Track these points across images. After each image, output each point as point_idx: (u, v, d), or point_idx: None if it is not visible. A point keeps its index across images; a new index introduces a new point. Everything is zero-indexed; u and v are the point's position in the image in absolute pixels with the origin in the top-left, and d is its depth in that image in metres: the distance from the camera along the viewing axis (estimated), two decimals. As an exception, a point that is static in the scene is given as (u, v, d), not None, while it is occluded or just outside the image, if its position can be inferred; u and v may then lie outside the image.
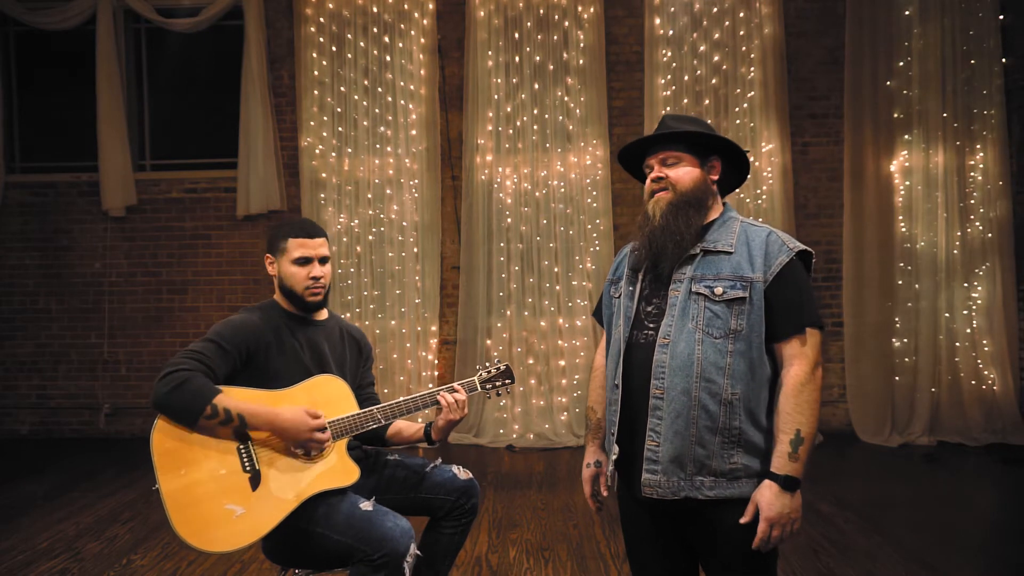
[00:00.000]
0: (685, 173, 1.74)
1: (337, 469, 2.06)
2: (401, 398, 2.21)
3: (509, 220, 5.52)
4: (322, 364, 2.21)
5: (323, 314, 2.32)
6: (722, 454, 1.62)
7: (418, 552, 2.01)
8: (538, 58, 5.50)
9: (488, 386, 2.32)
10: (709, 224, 1.75)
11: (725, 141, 1.77)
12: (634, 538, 1.83)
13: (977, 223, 5.35)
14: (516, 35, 5.51)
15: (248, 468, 1.97)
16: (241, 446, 1.99)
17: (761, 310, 1.63)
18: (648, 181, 1.80)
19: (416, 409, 2.20)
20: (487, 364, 2.36)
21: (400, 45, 5.55)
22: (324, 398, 2.12)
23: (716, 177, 1.79)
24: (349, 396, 2.18)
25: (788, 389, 1.61)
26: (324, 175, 5.59)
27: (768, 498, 1.57)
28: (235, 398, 1.96)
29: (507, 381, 2.33)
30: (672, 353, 1.64)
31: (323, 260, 2.22)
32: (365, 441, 2.32)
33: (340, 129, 5.58)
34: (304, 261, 2.18)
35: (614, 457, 1.74)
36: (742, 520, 1.59)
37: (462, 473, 2.30)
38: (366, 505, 2.01)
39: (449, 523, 2.27)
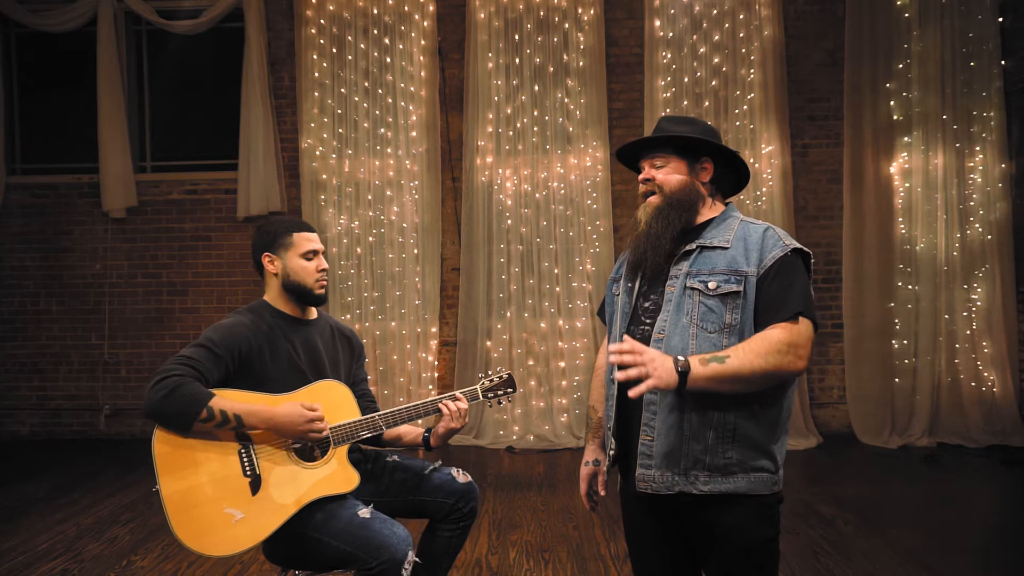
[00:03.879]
0: (671, 176, 1.76)
1: (337, 475, 2.06)
2: (403, 405, 2.21)
3: (509, 222, 5.53)
4: (317, 365, 2.21)
5: (313, 313, 2.32)
6: (716, 449, 1.62)
7: (416, 559, 2.01)
8: (538, 60, 5.51)
9: (490, 395, 2.33)
10: (708, 222, 1.77)
11: (711, 144, 1.77)
12: (635, 536, 1.84)
13: (977, 225, 5.35)
14: (516, 37, 5.52)
15: (248, 472, 1.97)
16: (242, 449, 1.99)
17: (753, 303, 1.63)
18: (639, 183, 1.83)
19: (418, 416, 2.21)
20: (489, 373, 2.37)
21: (400, 47, 5.56)
22: (327, 404, 2.11)
23: (707, 179, 1.79)
24: (351, 402, 2.18)
25: (758, 335, 1.57)
26: (324, 177, 5.59)
27: (658, 353, 1.52)
28: (230, 399, 1.96)
29: (509, 390, 2.34)
30: (666, 347, 1.64)
31: (324, 253, 2.27)
32: (362, 442, 2.33)
33: (340, 131, 5.59)
34: (313, 254, 2.20)
35: (611, 453, 1.75)
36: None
37: (461, 476, 2.30)
38: (364, 512, 2.01)
39: (447, 526, 2.27)
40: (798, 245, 1.68)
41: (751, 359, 1.53)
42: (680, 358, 1.52)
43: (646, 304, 1.75)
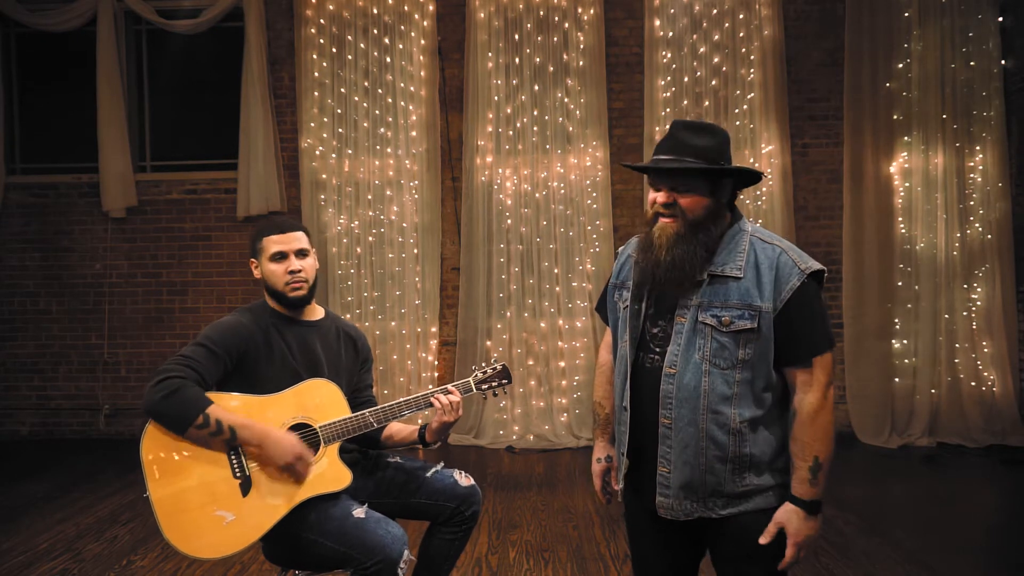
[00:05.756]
0: (696, 202, 1.62)
1: (328, 474, 2.06)
2: (394, 401, 2.19)
3: (509, 221, 5.52)
4: (314, 365, 2.19)
5: (318, 313, 2.29)
6: (734, 479, 1.62)
7: (412, 557, 2.01)
8: (538, 60, 5.51)
9: (484, 386, 2.29)
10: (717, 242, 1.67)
11: (743, 171, 1.66)
12: (638, 540, 1.83)
13: (977, 224, 5.35)
14: (516, 37, 5.52)
15: (238, 474, 1.96)
16: (232, 452, 1.98)
17: (770, 340, 1.60)
18: (654, 202, 1.67)
19: (409, 412, 2.18)
20: (483, 364, 2.33)
21: (400, 47, 5.56)
22: (314, 402, 2.11)
23: (726, 198, 1.68)
24: (340, 400, 2.16)
25: (803, 417, 1.60)
26: (324, 176, 5.59)
27: (796, 525, 1.58)
28: (228, 410, 1.95)
29: (504, 381, 2.31)
30: (678, 384, 1.62)
31: (301, 253, 2.17)
32: (359, 444, 2.31)
33: (340, 130, 5.59)
34: (280, 256, 2.15)
35: (624, 471, 1.74)
36: (763, 540, 1.59)
37: (463, 479, 2.27)
38: (359, 512, 2.00)
39: (449, 529, 2.25)
40: (813, 267, 1.61)
41: (825, 443, 1.60)
42: (804, 500, 1.58)
43: (654, 330, 1.70)
